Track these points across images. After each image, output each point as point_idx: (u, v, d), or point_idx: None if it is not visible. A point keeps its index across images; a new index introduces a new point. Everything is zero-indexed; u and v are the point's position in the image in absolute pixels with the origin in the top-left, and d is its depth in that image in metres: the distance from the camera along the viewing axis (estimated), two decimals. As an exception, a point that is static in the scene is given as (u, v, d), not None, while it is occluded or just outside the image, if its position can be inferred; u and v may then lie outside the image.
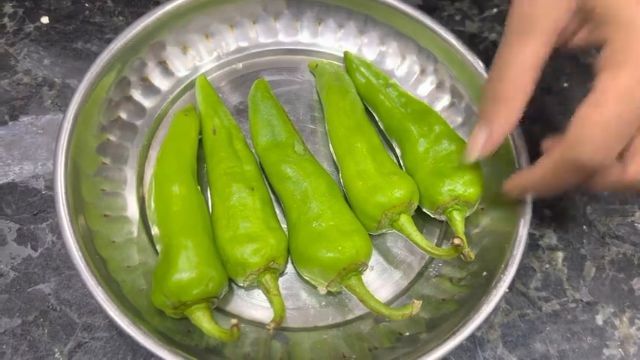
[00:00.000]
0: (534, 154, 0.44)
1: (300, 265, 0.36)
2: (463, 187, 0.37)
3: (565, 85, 0.48)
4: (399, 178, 0.37)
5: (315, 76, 0.46)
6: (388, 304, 0.39)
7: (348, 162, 0.39)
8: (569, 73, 0.48)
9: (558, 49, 0.33)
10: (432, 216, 0.39)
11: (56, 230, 0.40)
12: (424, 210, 0.39)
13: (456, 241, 0.34)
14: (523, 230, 0.37)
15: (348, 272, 0.35)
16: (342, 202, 0.38)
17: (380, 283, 0.40)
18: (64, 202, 0.36)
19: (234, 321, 0.30)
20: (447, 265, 0.40)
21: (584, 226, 0.43)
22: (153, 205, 0.37)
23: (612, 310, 0.40)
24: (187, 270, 0.33)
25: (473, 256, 0.36)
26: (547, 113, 0.47)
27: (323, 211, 0.36)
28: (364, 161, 0.38)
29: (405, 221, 0.37)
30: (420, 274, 0.40)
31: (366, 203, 0.37)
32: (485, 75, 0.41)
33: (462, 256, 0.35)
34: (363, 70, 0.45)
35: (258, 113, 0.42)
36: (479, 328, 0.35)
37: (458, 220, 0.37)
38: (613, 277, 0.41)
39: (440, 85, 0.45)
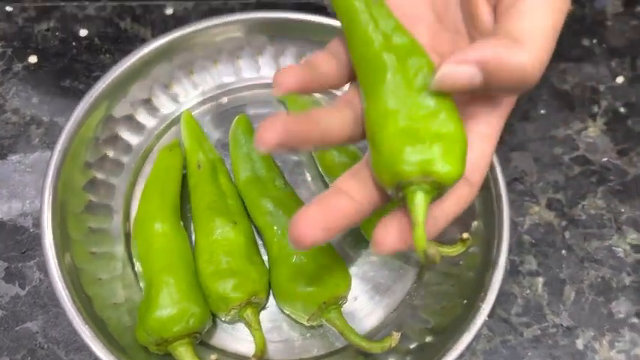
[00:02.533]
0: (510, 181, 0.46)
1: (281, 300, 0.37)
2: (442, 161, 0.24)
3: (542, 111, 0.49)
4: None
5: (285, 103, 0.47)
6: (373, 333, 0.40)
7: None
8: (545, 99, 0.50)
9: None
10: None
11: (43, 268, 0.41)
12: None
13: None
14: (501, 257, 0.38)
15: (328, 306, 0.35)
16: (322, 235, 0.39)
17: (365, 312, 0.41)
18: (51, 240, 0.37)
19: (213, 357, 0.31)
20: (430, 294, 0.41)
21: (564, 251, 0.44)
22: (136, 242, 0.38)
23: (592, 334, 0.41)
24: (168, 307, 0.34)
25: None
26: (525, 140, 0.48)
27: (303, 245, 0.37)
28: None
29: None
30: (403, 302, 0.41)
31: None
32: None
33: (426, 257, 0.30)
34: None
35: (238, 148, 0.43)
36: (461, 355, 0.36)
37: (420, 205, 0.25)
38: (592, 301, 0.42)
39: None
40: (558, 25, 0.26)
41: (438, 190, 0.25)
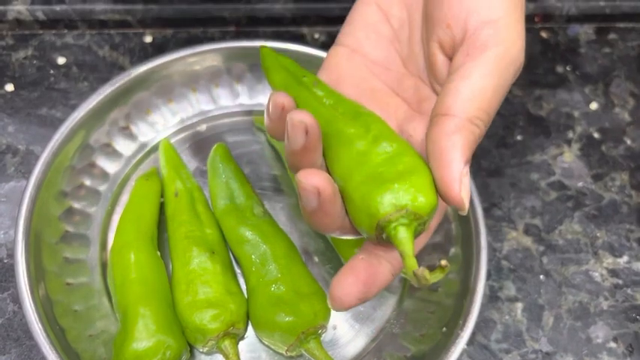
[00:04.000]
0: (489, 207, 0.46)
1: (259, 330, 0.37)
2: (411, 193, 0.25)
3: (519, 137, 0.50)
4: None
5: (264, 130, 0.47)
6: (352, 361, 0.40)
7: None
8: (522, 126, 0.50)
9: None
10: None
11: (17, 300, 0.40)
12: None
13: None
14: (479, 285, 0.38)
15: (307, 336, 0.35)
16: (301, 264, 0.39)
17: (344, 341, 0.40)
18: (24, 271, 0.36)
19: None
20: (410, 322, 0.41)
21: (542, 276, 0.44)
22: (111, 272, 0.37)
23: (571, 359, 0.41)
24: (144, 339, 0.33)
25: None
26: (502, 166, 0.48)
27: (282, 274, 0.37)
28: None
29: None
30: (382, 331, 0.41)
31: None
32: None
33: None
34: (283, 66, 0.34)
35: (216, 177, 0.43)
36: (440, 384, 0.36)
37: (405, 237, 0.25)
38: (571, 326, 0.42)
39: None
40: (502, 84, 0.27)
41: (418, 221, 0.26)
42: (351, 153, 0.28)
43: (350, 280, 0.27)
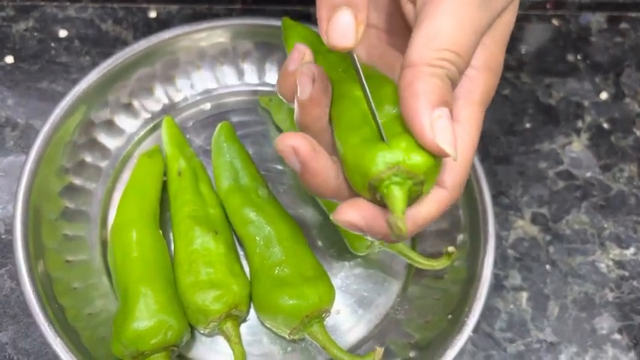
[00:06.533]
0: (496, 194, 0.45)
1: (262, 313, 0.36)
2: (405, 152, 0.24)
3: (527, 125, 0.49)
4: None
5: (270, 110, 0.46)
6: (355, 347, 0.39)
7: None
8: (531, 113, 0.49)
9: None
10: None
11: (15, 276, 0.39)
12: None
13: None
14: (486, 273, 0.37)
15: (311, 319, 0.35)
16: (305, 247, 0.38)
17: (347, 326, 0.40)
18: (23, 248, 0.35)
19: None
20: (414, 308, 0.40)
21: (548, 266, 0.43)
22: (112, 250, 0.36)
23: (575, 350, 0.41)
24: (145, 319, 0.33)
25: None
26: (510, 153, 0.48)
27: (286, 256, 0.36)
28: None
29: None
30: (386, 317, 0.40)
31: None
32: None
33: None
34: (302, 35, 0.35)
35: (221, 156, 0.42)
36: (444, 371, 0.35)
37: (398, 197, 0.24)
38: (576, 317, 0.42)
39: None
40: (470, 16, 0.25)
41: (412, 180, 0.25)
42: (353, 115, 0.27)
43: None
